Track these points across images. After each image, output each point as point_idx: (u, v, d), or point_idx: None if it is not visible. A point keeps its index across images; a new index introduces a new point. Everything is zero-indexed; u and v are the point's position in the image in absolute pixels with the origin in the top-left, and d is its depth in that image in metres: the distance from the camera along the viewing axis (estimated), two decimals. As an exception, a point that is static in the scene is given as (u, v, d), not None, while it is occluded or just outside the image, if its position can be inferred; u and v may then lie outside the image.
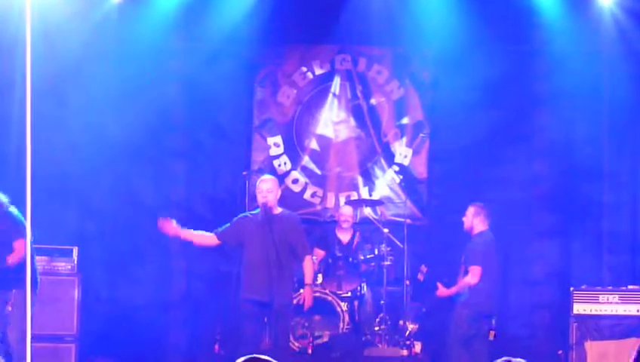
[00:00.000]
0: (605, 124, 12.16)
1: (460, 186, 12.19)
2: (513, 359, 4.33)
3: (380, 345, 11.09)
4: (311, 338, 10.82)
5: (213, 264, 11.72)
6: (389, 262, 11.35)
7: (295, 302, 10.04)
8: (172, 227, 9.66)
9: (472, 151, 12.30)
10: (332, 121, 12.77)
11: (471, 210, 10.63)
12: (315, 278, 10.91)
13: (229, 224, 9.65)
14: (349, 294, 11.29)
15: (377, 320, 11.24)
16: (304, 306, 9.76)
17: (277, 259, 9.30)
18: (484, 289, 10.39)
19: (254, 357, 4.33)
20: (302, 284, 10.36)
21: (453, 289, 10.63)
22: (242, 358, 4.33)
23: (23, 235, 9.11)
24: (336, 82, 12.75)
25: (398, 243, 11.60)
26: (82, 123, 11.71)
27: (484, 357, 10.26)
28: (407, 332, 11.05)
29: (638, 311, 10.79)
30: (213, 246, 9.89)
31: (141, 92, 11.93)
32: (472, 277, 10.39)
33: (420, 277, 11.16)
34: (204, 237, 9.71)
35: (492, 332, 10.33)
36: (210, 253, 11.81)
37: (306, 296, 9.69)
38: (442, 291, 10.77)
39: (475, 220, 10.58)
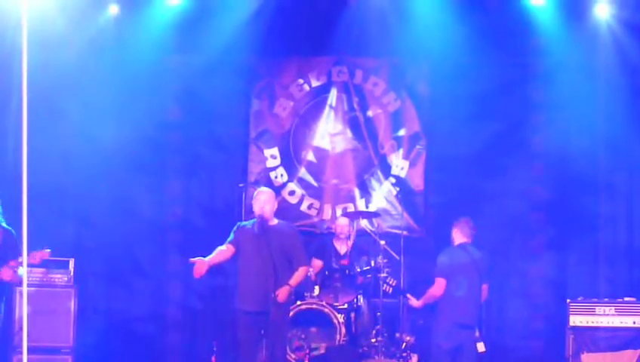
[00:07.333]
0: (601, 135, 12.15)
1: (457, 198, 12.19)
2: None
3: (376, 357, 11.04)
4: (307, 350, 10.77)
5: (210, 276, 11.69)
6: (385, 274, 11.32)
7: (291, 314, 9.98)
8: (202, 263, 9.45)
9: (468, 162, 12.30)
10: (329, 132, 12.77)
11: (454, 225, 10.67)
12: (305, 288, 10.89)
13: (232, 233, 9.60)
14: (346, 306, 11.25)
15: (374, 332, 11.21)
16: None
17: (273, 270, 9.25)
18: (462, 300, 10.25)
19: None
20: (299, 296, 10.35)
21: (421, 301, 10.63)
22: None
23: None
24: (333, 94, 12.76)
25: (395, 255, 11.57)
26: (79, 134, 11.74)
27: None
28: (404, 345, 11.02)
29: (634, 322, 10.80)
30: (231, 257, 9.66)
31: (138, 103, 11.96)
32: (436, 288, 10.35)
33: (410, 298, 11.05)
34: (223, 252, 9.56)
35: (481, 344, 10.24)
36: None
37: (281, 291, 9.22)
38: (413, 302, 10.82)
39: (453, 232, 10.57)
